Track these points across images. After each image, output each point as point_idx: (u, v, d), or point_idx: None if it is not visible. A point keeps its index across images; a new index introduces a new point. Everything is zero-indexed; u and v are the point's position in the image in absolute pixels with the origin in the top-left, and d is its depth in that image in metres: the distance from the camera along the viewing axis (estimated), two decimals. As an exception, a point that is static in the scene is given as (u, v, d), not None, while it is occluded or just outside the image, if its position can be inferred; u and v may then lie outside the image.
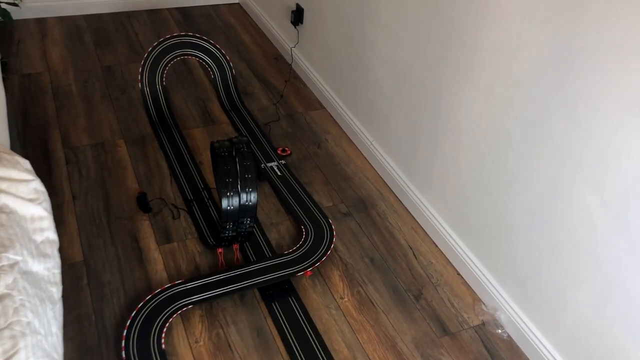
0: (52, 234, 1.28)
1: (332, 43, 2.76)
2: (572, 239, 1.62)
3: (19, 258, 1.10)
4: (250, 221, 1.93)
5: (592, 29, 1.42)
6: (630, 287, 1.47)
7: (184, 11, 3.67)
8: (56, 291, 1.20)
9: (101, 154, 2.42)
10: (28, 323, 0.98)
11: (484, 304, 1.99)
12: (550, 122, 1.61)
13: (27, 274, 1.08)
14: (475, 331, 1.93)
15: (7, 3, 2.83)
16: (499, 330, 1.91)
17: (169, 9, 3.66)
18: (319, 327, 1.87)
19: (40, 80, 2.82)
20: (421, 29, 2.09)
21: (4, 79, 2.73)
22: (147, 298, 1.81)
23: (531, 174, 1.72)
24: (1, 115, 1.50)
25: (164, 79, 2.67)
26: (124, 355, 1.65)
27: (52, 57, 3.02)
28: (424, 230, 2.28)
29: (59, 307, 1.19)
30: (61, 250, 1.95)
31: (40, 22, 3.32)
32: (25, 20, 3.30)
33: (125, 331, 1.71)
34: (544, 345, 1.79)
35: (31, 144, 2.41)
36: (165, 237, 2.10)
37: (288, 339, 1.82)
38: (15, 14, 3.23)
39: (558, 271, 1.70)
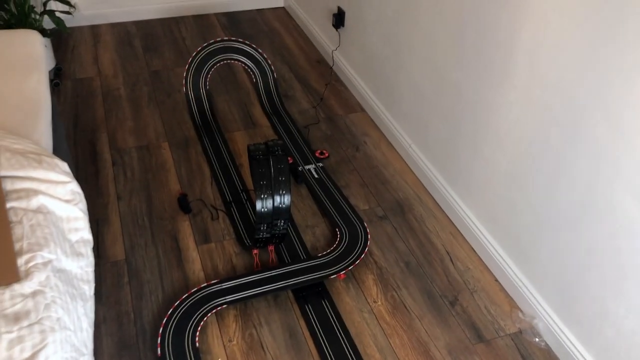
0: (86, 234, 1.34)
1: (372, 45, 2.76)
2: (613, 246, 1.56)
3: (52, 257, 1.16)
4: (284, 223, 1.96)
5: (635, 27, 1.36)
6: (672, 299, 1.41)
7: (230, 16, 3.75)
8: (88, 289, 1.25)
9: (146, 156, 2.50)
10: (58, 319, 1.03)
11: (521, 311, 1.94)
12: (589, 126, 1.55)
13: (60, 272, 1.14)
14: (512, 339, 1.89)
15: (61, 12, 2.96)
16: (537, 339, 1.86)
17: (215, 14, 3.74)
18: (351, 330, 1.88)
19: (91, 85, 2.95)
20: (459, 30, 2.06)
21: (58, 84, 2.87)
22: (184, 297, 1.86)
23: (570, 179, 1.66)
24: (46, 119, 1.58)
25: (207, 83, 2.74)
26: (159, 353, 1.70)
27: (103, 62, 3.15)
28: (462, 236, 2.25)
29: (90, 304, 1.25)
30: (104, 248, 2.04)
31: (94, 28, 3.47)
32: (79, 28, 3.46)
33: (161, 329, 1.76)
34: (582, 355, 1.73)
35: (81, 146, 2.52)
36: (203, 237, 2.15)
37: (320, 341, 1.83)
38: (69, 21, 3.38)
39: (598, 280, 1.64)
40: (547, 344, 1.86)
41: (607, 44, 1.45)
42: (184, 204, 2.26)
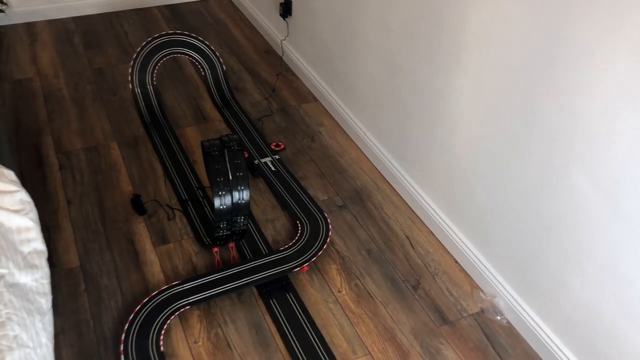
0: (39, 244, 1.28)
1: (322, 34, 2.74)
2: (567, 224, 1.61)
3: (4, 271, 1.10)
4: (244, 219, 1.93)
5: (580, 13, 1.40)
6: (625, 271, 1.46)
7: (173, 8, 3.65)
8: (45, 302, 1.20)
9: (94, 158, 2.41)
10: (15, 337, 0.98)
11: (482, 291, 1.99)
12: (541, 107, 1.59)
13: (13, 287, 1.08)
14: (474, 319, 1.93)
15: (-7, 10, 2.81)
16: (498, 317, 1.91)
17: (157, 7, 3.63)
18: (318, 321, 1.87)
19: (31, 86, 2.81)
20: (410, 16, 2.06)
21: (-6, 87, 2.73)
22: (145, 301, 1.81)
23: (524, 160, 1.70)
24: (-14, 126, 1.49)
25: (154, 79, 2.66)
26: (123, 360, 1.65)
27: (42, 61, 3.01)
28: (421, 220, 2.27)
29: (48, 318, 1.19)
30: (57, 256, 1.96)
31: (29, 26, 3.31)
32: (13, 26, 3.29)
33: (124, 335, 1.71)
34: (543, 330, 1.79)
35: (24, 151, 2.41)
36: (161, 238, 2.10)
37: (287, 335, 1.82)
38: (2, 20, 3.22)
39: (555, 256, 1.69)
40: (508, 322, 1.91)
41: (557, 27, 1.48)
42: (137, 205, 2.19)
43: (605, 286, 1.54)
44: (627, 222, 1.42)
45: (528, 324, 1.83)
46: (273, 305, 1.90)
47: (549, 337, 1.77)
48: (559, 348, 1.74)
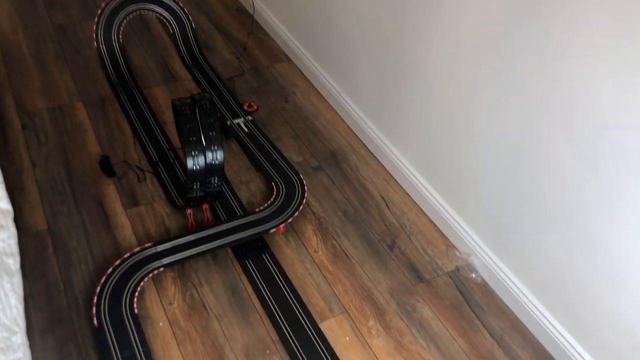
0: (4, 204, 1.22)
1: (294, -9, 2.66)
2: (542, 184, 1.61)
3: (-31, 230, 1.04)
4: (218, 180, 1.88)
5: (560, -37, 1.37)
6: (598, 230, 1.48)
7: (138, -36, 3.48)
8: (13, 262, 1.15)
9: (59, 118, 2.31)
10: (-18, 297, 0.93)
11: (457, 250, 2.00)
12: (518, 68, 1.57)
13: (-21, 247, 1.03)
14: (450, 277, 1.94)
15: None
16: (473, 275, 1.93)
17: (121, -38, 3.46)
18: (295, 282, 1.86)
19: (-12, 43, 2.67)
20: (385, -28, 2.01)
21: (-52, 43, 2.58)
22: (117, 263, 1.76)
23: (501, 121, 1.69)
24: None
25: (120, 37, 2.55)
26: (95, 322, 1.61)
27: (-1, 17, 2.85)
28: (396, 181, 2.26)
29: (17, 279, 1.14)
30: (23, 219, 1.89)
31: (-16, -20, 3.12)
32: (-33, -21, 3.10)
33: (96, 298, 1.67)
34: (517, 287, 1.81)
35: (-17, 111, 2.30)
36: (131, 200, 2.04)
37: (264, 295, 1.80)
38: (-45, -28, 3.02)
39: (530, 216, 1.70)
40: (483, 279, 1.93)
41: (536, -20, 1.45)
42: (106, 166, 2.12)
43: (579, 245, 1.56)
44: (602, 183, 1.43)
45: (502, 281, 1.85)
46: (249, 266, 1.88)
47: (523, 293, 1.80)
48: (532, 304, 1.77)
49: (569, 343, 1.67)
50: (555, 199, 1.59)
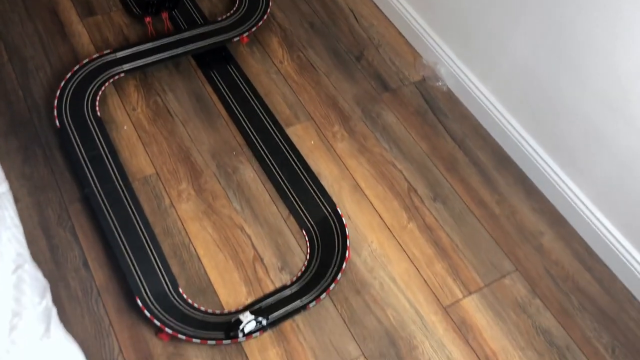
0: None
1: None
2: (513, -26, 1.56)
3: None
4: (176, -18, 1.78)
5: None
6: (562, 19, 1.46)
7: None
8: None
9: None
10: None
11: (424, 59, 1.98)
12: None
13: None
14: (416, 86, 1.94)
15: None
16: (439, 83, 1.93)
17: None
18: (260, 90, 1.85)
19: None
20: None
21: None
22: (75, 69, 1.72)
23: None
24: None
25: None
26: (58, 124, 1.61)
27: None
28: (365, -7, 2.18)
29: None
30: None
31: None
32: None
33: (56, 101, 1.64)
34: (481, 92, 1.83)
35: None
36: (87, 10, 1.94)
37: (229, 103, 1.80)
38: None
39: (495, 17, 1.66)
40: (448, 87, 1.94)
41: None
42: (57, -25, 1.98)
43: (541, 46, 1.55)
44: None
45: (467, 87, 1.86)
46: (213, 76, 1.85)
47: (486, 97, 1.82)
48: (495, 107, 1.80)
49: (527, 142, 1.72)
50: (523, -7, 1.54)
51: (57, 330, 0.88)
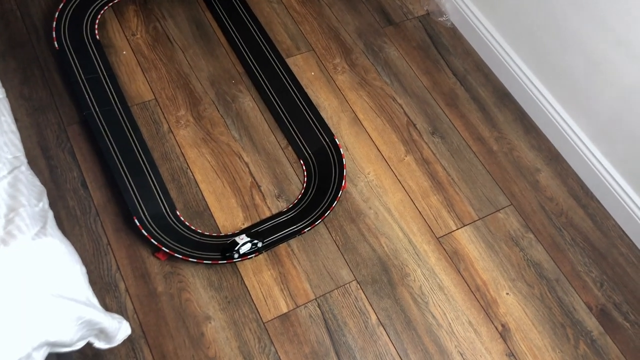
0: None
1: None
2: None
3: None
4: None
5: None
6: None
7: None
8: None
9: None
10: None
11: (429, -7, 1.94)
12: None
13: None
14: (419, 21, 1.91)
15: None
16: (443, 18, 1.90)
17: None
18: (261, 19, 1.82)
19: None
20: None
21: None
22: (74, -9, 1.69)
23: None
24: None
25: None
26: (56, 46, 1.59)
27: None
28: None
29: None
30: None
31: None
32: None
33: (55, 23, 1.62)
34: (485, 28, 1.80)
35: None
36: None
37: (229, 31, 1.77)
38: None
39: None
40: (452, 23, 1.91)
41: None
42: None
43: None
44: None
45: (472, 23, 1.83)
46: (213, 3, 1.82)
47: (490, 34, 1.79)
48: (498, 44, 1.77)
49: (528, 78, 1.71)
50: None
51: (53, 230, 0.89)
